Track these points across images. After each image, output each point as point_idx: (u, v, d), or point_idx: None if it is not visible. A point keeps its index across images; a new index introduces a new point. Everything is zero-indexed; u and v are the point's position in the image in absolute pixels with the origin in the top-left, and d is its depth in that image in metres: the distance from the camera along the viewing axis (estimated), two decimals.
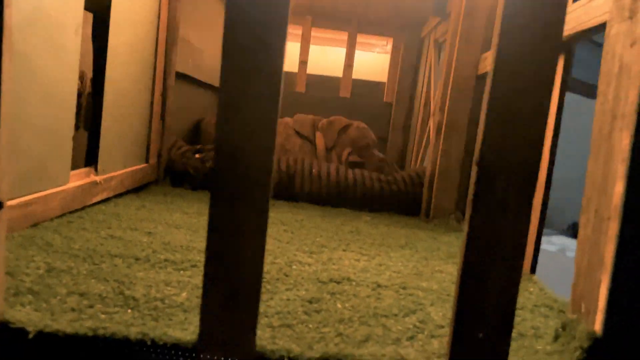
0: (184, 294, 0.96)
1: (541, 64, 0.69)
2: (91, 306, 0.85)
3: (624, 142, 0.76)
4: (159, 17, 1.88)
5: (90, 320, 0.79)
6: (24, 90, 1.15)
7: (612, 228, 0.77)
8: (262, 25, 0.68)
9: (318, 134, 2.49)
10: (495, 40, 0.71)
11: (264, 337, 0.81)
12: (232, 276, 0.72)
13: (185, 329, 0.81)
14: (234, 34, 0.68)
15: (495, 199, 0.71)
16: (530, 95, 0.70)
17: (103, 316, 0.82)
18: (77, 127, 2.22)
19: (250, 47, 0.67)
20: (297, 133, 2.47)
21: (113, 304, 0.87)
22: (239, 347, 0.73)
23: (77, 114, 2.37)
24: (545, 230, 4.47)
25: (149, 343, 0.74)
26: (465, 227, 0.73)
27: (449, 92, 1.99)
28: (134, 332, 0.75)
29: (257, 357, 0.75)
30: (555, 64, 0.69)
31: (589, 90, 5.59)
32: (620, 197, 0.75)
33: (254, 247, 0.72)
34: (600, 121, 0.84)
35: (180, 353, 0.75)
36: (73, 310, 0.83)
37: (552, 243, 4.04)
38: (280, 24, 0.68)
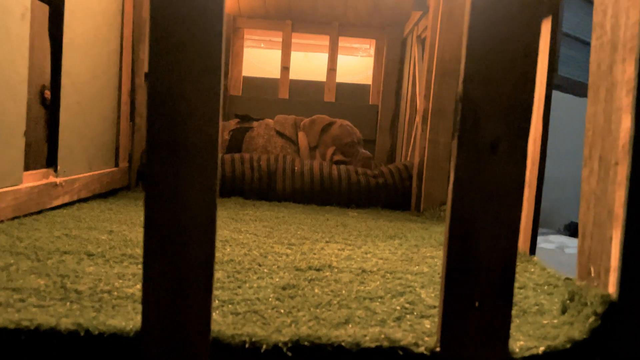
0: (137, 286, 0.83)
1: None
2: (22, 300, 0.73)
3: (629, 70, 0.65)
4: (123, 12, 1.79)
5: (17, 313, 0.67)
6: None
7: (622, 173, 0.66)
8: None
9: (300, 134, 2.39)
10: None
11: (224, 323, 0.69)
12: (177, 248, 0.61)
13: (131, 319, 0.69)
14: None
15: (482, 139, 0.60)
16: (517, 15, 0.60)
17: (34, 309, 0.69)
18: (48, 139, 2.11)
19: None
20: (279, 133, 2.36)
21: (50, 298, 0.75)
22: (189, 331, 0.61)
23: (49, 125, 2.26)
24: (542, 230, 4.35)
25: (82, 334, 0.62)
26: (451, 175, 0.62)
27: (433, 77, 1.89)
28: (65, 323, 0.63)
29: (212, 343, 0.62)
30: None
31: (580, 89, 5.54)
32: (628, 134, 0.64)
33: (201, 209, 0.60)
34: (598, 57, 0.74)
35: (121, 344, 0.63)
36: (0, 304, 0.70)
37: (550, 241, 3.93)
38: None
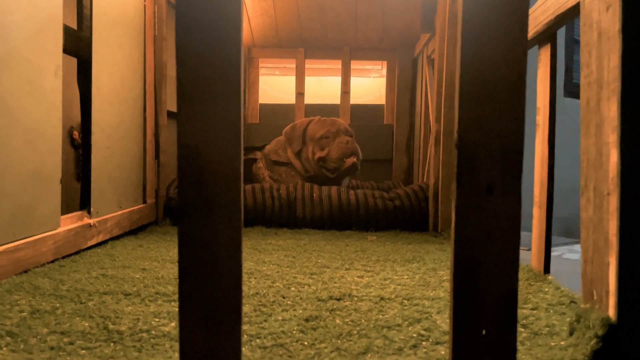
0: (172, 324, 0.91)
1: (511, 28, 0.65)
2: (72, 343, 0.80)
3: (612, 109, 0.71)
4: (145, 57, 1.90)
5: (68, 356, 0.75)
6: (2, 133, 1.14)
7: (613, 203, 0.71)
8: None
9: (289, 150, 2.46)
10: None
11: (253, 358, 0.76)
12: (208, 293, 0.68)
13: (169, 357, 0.76)
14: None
15: (479, 181, 0.66)
16: (504, 67, 0.66)
17: (83, 352, 0.77)
18: (77, 177, 2.22)
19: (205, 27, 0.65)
20: (276, 162, 2.44)
21: (95, 339, 0.82)
22: None
23: (77, 164, 2.38)
24: (566, 240, 4.28)
25: None
26: (452, 215, 0.68)
27: (442, 101, 1.95)
28: None
29: None
30: (526, 27, 0.65)
31: None
32: (616, 167, 0.69)
33: (228, 258, 0.67)
34: (587, 94, 0.80)
35: None
36: (52, 348, 0.78)
37: (576, 251, 3.90)
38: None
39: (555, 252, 3.79)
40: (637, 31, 0.69)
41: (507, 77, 0.67)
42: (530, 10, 1.25)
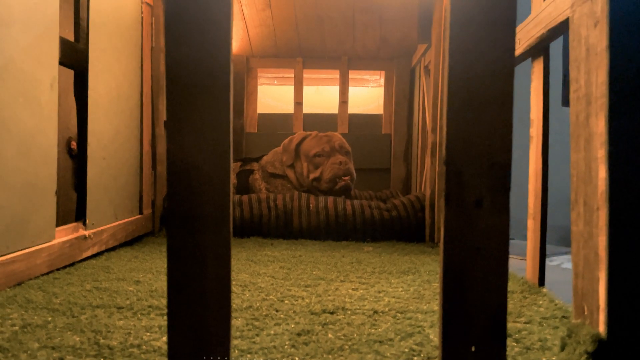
0: (163, 338, 0.90)
1: (498, 43, 0.65)
2: (62, 358, 0.80)
3: (600, 125, 0.71)
4: (142, 68, 1.90)
5: None
6: None
7: (602, 218, 0.71)
8: None
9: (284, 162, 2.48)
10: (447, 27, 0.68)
11: None
12: (196, 308, 0.68)
13: None
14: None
15: (467, 197, 0.66)
16: (491, 82, 0.66)
17: None
18: (75, 187, 2.21)
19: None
20: (272, 175, 2.45)
21: (85, 355, 0.82)
22: None
23: (75, 174, 2.37)
24: (567, 249, 4.27)
25: None
26: (441, 230, 0.68)
27: (439, 111, 1.96)
28: None
29: None
30: (514, 42, 0.65)
31: None
32: (604, 182, 0.70)
33: (216, 270, 0.67)
34: (577, 109, 0.80)
35: None
36: None
37: None
38: None
39: (554, 261, 3.78)
40: (624, 47, 0.69)
41: (495, 92, 0.67)
42: (523, 24, 1.26)
